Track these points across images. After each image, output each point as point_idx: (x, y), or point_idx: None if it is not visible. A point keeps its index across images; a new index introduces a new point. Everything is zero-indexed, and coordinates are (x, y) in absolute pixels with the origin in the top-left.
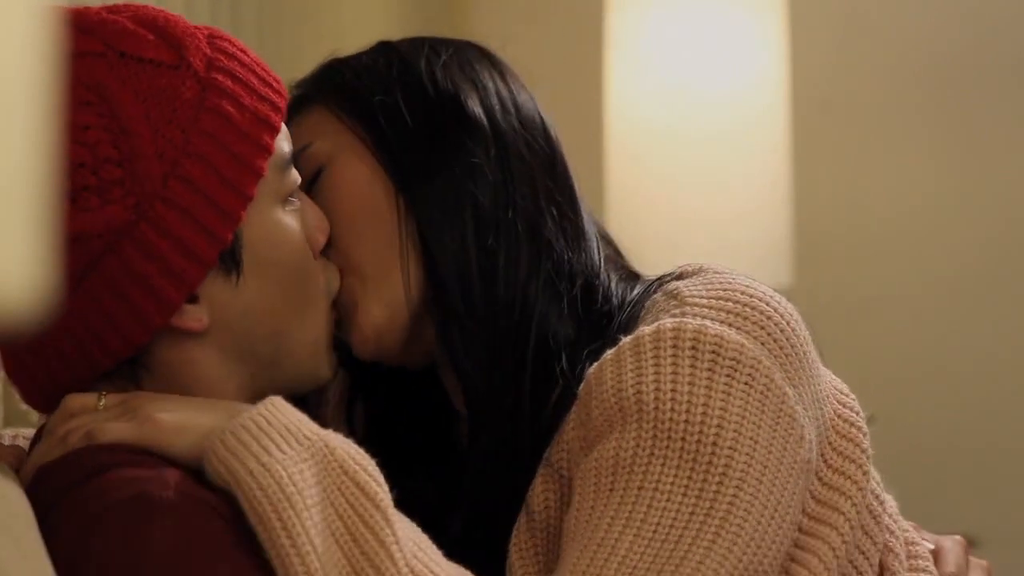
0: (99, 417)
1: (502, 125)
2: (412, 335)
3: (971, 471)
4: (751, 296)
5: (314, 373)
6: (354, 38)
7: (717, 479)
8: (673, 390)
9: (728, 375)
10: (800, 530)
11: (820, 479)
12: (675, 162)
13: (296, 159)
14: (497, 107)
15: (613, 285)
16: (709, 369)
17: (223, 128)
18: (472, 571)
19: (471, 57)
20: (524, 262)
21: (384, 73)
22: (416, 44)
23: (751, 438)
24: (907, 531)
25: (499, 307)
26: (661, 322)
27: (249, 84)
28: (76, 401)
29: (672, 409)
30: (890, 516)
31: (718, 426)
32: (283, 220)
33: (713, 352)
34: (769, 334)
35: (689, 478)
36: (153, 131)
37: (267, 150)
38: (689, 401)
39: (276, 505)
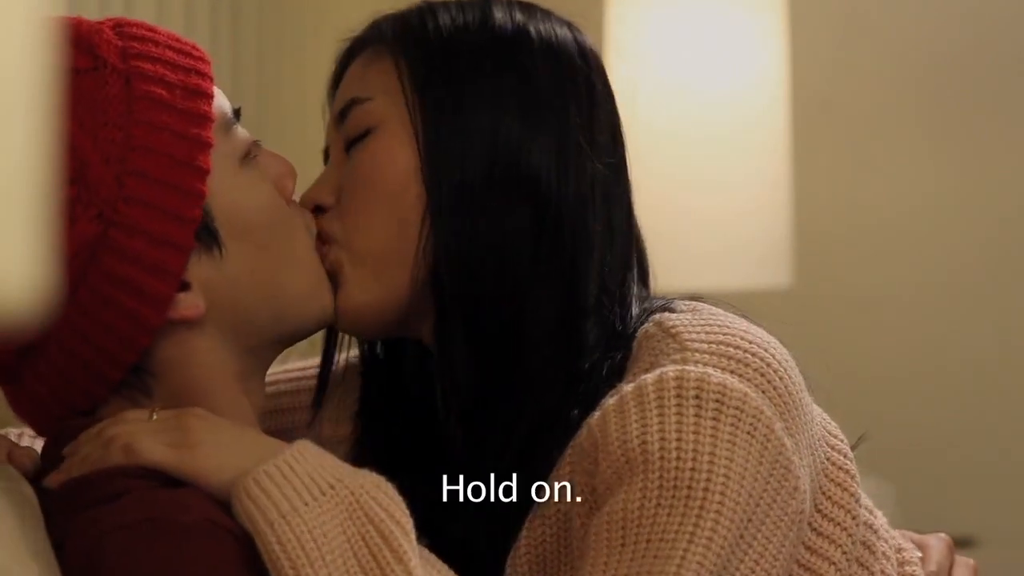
0: (145, 428)
1: (571, 154)
2: (394, 324)
3: (971, 471)
4: (751, 342)
5: (319, 314)
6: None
7: (725, 529)
8: (678, 439)
9: (732, 424)
10: None
11: (811, 527)
12: (675, 162)
13: (351, 105)
14: (576, 126)
15: (632, 311)
16: (714, 419)
17: (158, 111)
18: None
19: (569, 53)
20: (546, 304)
21: (475, 48)
22: (516, 15)
23: (749, 490)
24: (893, 537)
25: (505, 343)
26: (663, 369)
27: (169, 61)
28: (130, 413)
29: (678, 459)
30: (882, 538)
31: (725, 476)
32: (246, 180)
33: (717, 401)
34: (769, 382)
35: (695, 525)
36: (92, 138)
37: (208, 119)
38: (695, 451)
39: (294, 560)
